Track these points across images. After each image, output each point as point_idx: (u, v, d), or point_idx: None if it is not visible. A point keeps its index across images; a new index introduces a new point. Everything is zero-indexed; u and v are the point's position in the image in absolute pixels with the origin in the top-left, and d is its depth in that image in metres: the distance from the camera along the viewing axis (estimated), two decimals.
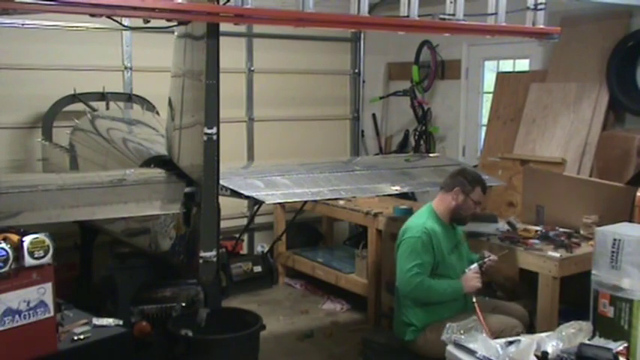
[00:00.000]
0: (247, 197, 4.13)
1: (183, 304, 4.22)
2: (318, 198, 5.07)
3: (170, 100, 3.95)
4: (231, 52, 6.44)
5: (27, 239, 2.72)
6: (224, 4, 3.23)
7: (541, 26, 4.07)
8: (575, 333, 2.60)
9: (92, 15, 2.94)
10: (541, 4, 4.01)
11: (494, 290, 4.58)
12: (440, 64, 6.75)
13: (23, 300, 2.73)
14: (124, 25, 3.72)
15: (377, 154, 7.38)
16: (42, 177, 4.86)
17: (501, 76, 6.24)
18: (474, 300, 3.74)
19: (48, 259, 2.77)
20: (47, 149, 5.42)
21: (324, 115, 7.41)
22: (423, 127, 6.82)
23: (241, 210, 6.78)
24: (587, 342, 2.55)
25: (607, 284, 2.71)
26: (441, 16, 3.71)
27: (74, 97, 5.57)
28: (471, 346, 2.56)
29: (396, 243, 4.00)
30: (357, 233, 6.96)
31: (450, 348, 2.62)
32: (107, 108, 5.65)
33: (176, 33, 3.75)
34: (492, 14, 3.88)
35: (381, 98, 7.33)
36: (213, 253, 3.38)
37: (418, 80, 6.82)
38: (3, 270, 2.64)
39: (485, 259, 3.89)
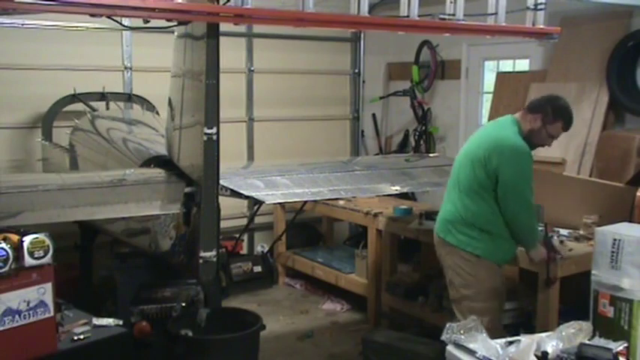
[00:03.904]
0: (247, 197, 4.14)
1: (183, 304, 4.22)
2: (318, 198, 5.07)
3: (170, 100, 3.95)
4: (231, 52, 6.44)
5: (27, 239, 2.72)
6: (224, 4, 3.23)
7: (541, 26, 4.07)
8: (575, 333, 2.59)
9: (92, 15, 2.95)
10: (541, 4, 4.01)
11: None
12: (440, 64, 6.75)
13: (23, 300, 2.72)
14: (124, 25, 3.72)
15: (377, 154, 7.38)
16: (42, 177, 4.86)
17: (501, 76, 6.24)
18: None
19: (48, 259, 2.77)
20: (47, 149, 5.42)
21: (324, 115, 7.41)
22: (423, 127, 6.82)
23: (241, 210, 6.78)
24: (587, 342, 2.55)
25: (607, 284, 2.70)
26: (441, 16, 3.71)
27: (74, 97, 5.57)
28: (471, 346, 2.55)
29: (485, 164, 3.67)
30: (357, 233, 6.96)
31: (450, 348, 2.62)
32: (107, 108, 5.65)
33: (176, 33, 3.75)
34: (492, 14, 3.88)
35: (381, 98, 7.33)
36: (213, 253, 3.38)
37: (418, 80, 6.82)
38: (3, 270, 2.64)
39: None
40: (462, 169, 3.85)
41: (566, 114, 3.76)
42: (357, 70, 7.62)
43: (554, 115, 3.73)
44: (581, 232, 4.35)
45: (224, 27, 3.29)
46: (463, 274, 3.81)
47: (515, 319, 4.34)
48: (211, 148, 3.29)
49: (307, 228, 7.08)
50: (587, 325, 2.65)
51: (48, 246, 2.76)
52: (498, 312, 3.89)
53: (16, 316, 2.71)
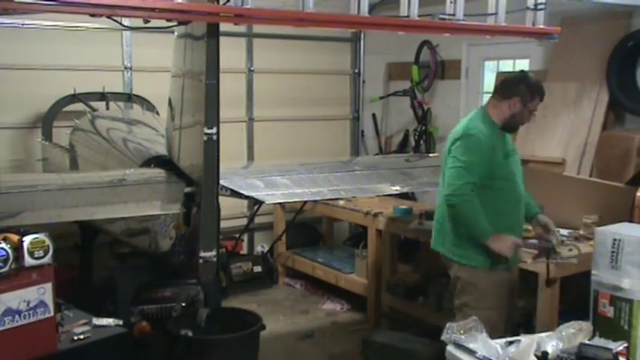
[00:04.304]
0: (247, 197, 4.14)
1: (183, 304, 4.22)
2: (318, 198, 5.07)
3: (170, 100, 3.95)
4: (231, 52, 6.43)
5: (27, 239, 2.71)
6: (224, 4, 3.23)
7: (541, 26, 4.07)
8: (575, 333, 2.60)
9: (92, 15, 2.94)
10: (541, 4, 4.00)
11: None
12: (440, 64, 6.75)
13: (23, 300, 2.72)
14: (124, 25, 3.72)
15: (377, 154, 7.38)
16: (42, 177, 4.86)
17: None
18: None
19: (48, 259, 2.77)
20: (47, 149, 5.42)
21: (324, 115, 7.41)
22: (423, 127, 6.82)
23: (241, 210, 6.78)
24: (587, 342, 2.55)
25: (607, 284, 2.70)
26: (441, 16, 3.70)
27: (74, 97, 5.57)
28: (471, 346, 2.55)
29: (446, 148, 3.75)
30: (357, 233, 6.96)
31: (450, 348, 2.62)
32: (107, 108, 5.65)
33: (176, 33, 3.75)
34: (492, 14, 3.88)
35: (381, 98, 7.33)
36: (213, 253, 3.38)
37: (418, 80, 6.82)
38: (3, 270, 2.64)
39: (555, 257, 3.81)
40: (442, 174, 3.84)
41: (541, 87, 3.77)
42: (357, 70, 7.62)
43: (531, 92, 3.71)
44: (581, 232, 4.35)
45: (224, 27, 3.29)
46: (462, 282, 3.77)
47: (516, 319, 4.33)
48: (211, 148, 3.29)
49: (307, 228, 7.08)
50: (587, 325, 2.65)
51: (48, 246, 2.76)
52: (500, 322, 3.76)
53: (16, 316, 2.71)
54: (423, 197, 6.62)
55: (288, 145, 7.02)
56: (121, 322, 3.26)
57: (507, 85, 3.79)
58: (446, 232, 3.81)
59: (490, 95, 3.89)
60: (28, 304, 2.74)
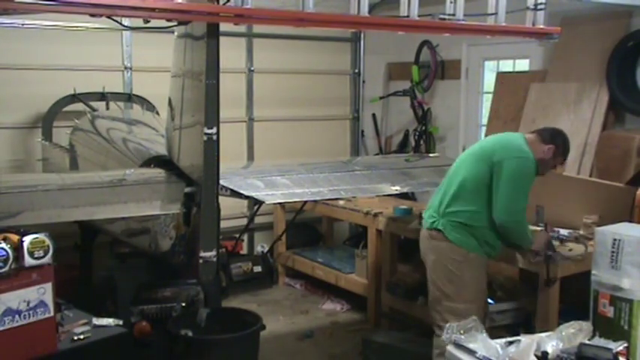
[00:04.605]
0: (247, 197, 4.14)
1: (183, 304, 4.22)
2: (318, 198, 5.07)
3: (170, 100, 3.95)
4: (231, 52, 6.43)
5: (27, 239, 2.71)
6: (224, 4, 3.24)
7: (541, 26, 4.07)
8: (575, 333, 2.59)
9: (92, 15, 2.95)
10: (541, 4, 4.01)
11: (494, 290, 4.57)
12: (440, 64, 6.75)
13: (23, 300, 2.72)
14: (124, 25, 3.72)
15: (377, 154, 7.38)
16: (42, 177, 4.87)
17: (501, 76, 6.24)
18: None
19: (48, 259, 2.76)
20: (47, 149, 5.42)
21: (324, 115, 7.41)
22: (423, 127, 6.82)
23: (241, 210, 6.78)
24: (587, 342, 2.55)
25: (607, 284, 2.70)
26: (441, 16, 3.71)
27: (74, 97, 5.57)
28: (471, 346, 2.55)
29: (490, 159, 3.78)
30: (357, 233, 6.96)
31: (450, 348, 2.62)
32: (107, 108, 5.66)
33: (176, 33, 3.76)
34: (492, 14, 3.88)
35: (381, 98, 7.33)
36: (213, 253, 3.39)
37: (418, 80, 6.82)
38: (3, 270, 2.64)
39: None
40: (461, 166, 3.90)
41: (568, 150, 3.97)
42: (357, 70, 7.62)
43: (565, 149, 3.92)
44: (581, 232, 4.35)
45: (224, 27, 3.29)
46: (446, 270, 3.82)
47: (515, 319, 4.34)
48: (211, 148, 3.29)
49: (307, 228, 7.08)
50: (587, 325, 2.65)
51: (48, 246, 2.76)
52: (480, 316, 3.81)
53: (16, 316, 2.71)
54: (423, 197, 6.61)
55: (288, 145, 7.02)
56: (121, 322, 3.25)
57: (551, 132, 3.95)
58: (449, 214, 3.85)
59: (530, 132, 4.02)
60: (28, 304, 2.74)
